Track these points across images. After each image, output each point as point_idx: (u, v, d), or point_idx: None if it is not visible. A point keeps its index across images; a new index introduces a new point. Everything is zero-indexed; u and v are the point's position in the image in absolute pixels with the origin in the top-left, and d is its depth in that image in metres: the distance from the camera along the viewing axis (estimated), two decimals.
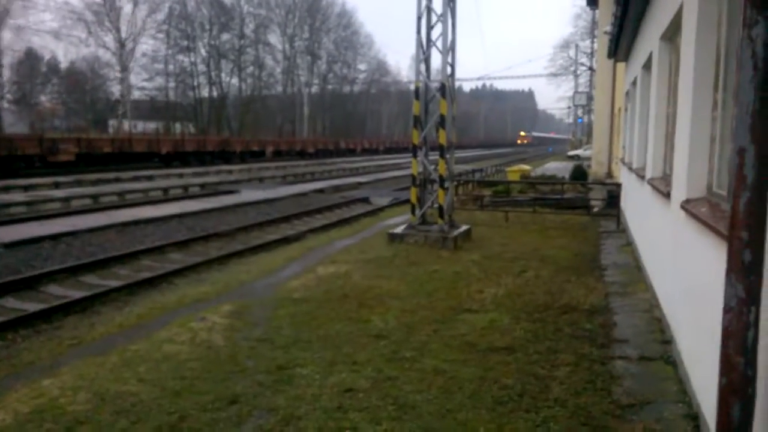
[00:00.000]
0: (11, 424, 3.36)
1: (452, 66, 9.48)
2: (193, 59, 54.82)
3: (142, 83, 51.96)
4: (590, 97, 36.70)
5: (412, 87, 10.16)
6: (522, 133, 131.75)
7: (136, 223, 12.49)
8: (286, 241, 11.14)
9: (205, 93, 57.03)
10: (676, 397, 3.60)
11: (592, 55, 42.25)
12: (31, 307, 6.76)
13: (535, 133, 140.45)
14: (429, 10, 9.52)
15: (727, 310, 2.00)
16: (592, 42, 40.45)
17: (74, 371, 4.11)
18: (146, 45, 51.57)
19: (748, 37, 1.88)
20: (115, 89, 49.49)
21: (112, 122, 46.59)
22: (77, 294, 7.25)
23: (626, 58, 11.02)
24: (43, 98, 57.50)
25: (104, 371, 4.09)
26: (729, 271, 2.00)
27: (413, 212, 9.73)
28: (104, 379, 3.95)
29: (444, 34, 9.27)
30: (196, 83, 55.82)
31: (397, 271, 7.26)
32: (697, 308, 3.37)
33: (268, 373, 4.03)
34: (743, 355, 1.96)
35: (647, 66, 7.34)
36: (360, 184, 24.73)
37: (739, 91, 1.94)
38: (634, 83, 9.44)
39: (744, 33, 1.90)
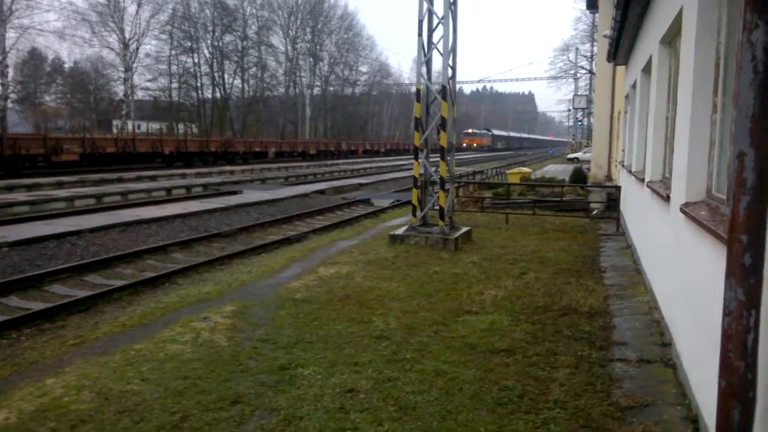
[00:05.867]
0: (15, 423, 3.39)
1: (453, 68, 9.52)
2: (196, 60, 54.95)
3: (145, 84, 52.08)
4: (590, 100, 36.73)
5: (414, 89, 10.19)
6: (469, 131, 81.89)
7: (139, 222, 12.53)
8: (287, 241, 11.17)
9: (208, 94, 57.18)
10: (676, 400, 3.61)
11: (592, 58, 42.32)
12: (35, 306, 6.80)
13: (496, 131, 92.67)
14: (430, 13, 9.57)
15: (726, 313, 2.00)
16: (592, 45, 40.56)
17: (78, 370, 4.14)
18: (150, 46, 51.74)
19: (748, 41, 1.89)
20: (119, 89, 49.53)
21: (115, 122, 46.66)
22: (81, 293, 7.29)
23: (626, 61, 11.03)
24: (47, 98, 57.71)
25: (108, 370, 4.12)
26: (729, 275, 2.00)
27: (414, 214, 9.76)
28: (107, 378, 3.98)
29: (445, 36, 9.31)
30: (199, 84, 55.92)
31: (398, 272, 7.28)
32: (697, 311, 3.38)
33: (270, 374, 4.06)
34: (743, 358, 1.96)
35: (647, 69, 7.36)
36: (361, 185, 24.74)
37: (738, 94, 1.95)
38: (633, 86, 9.46)
39: (744, 37, 1.91)
